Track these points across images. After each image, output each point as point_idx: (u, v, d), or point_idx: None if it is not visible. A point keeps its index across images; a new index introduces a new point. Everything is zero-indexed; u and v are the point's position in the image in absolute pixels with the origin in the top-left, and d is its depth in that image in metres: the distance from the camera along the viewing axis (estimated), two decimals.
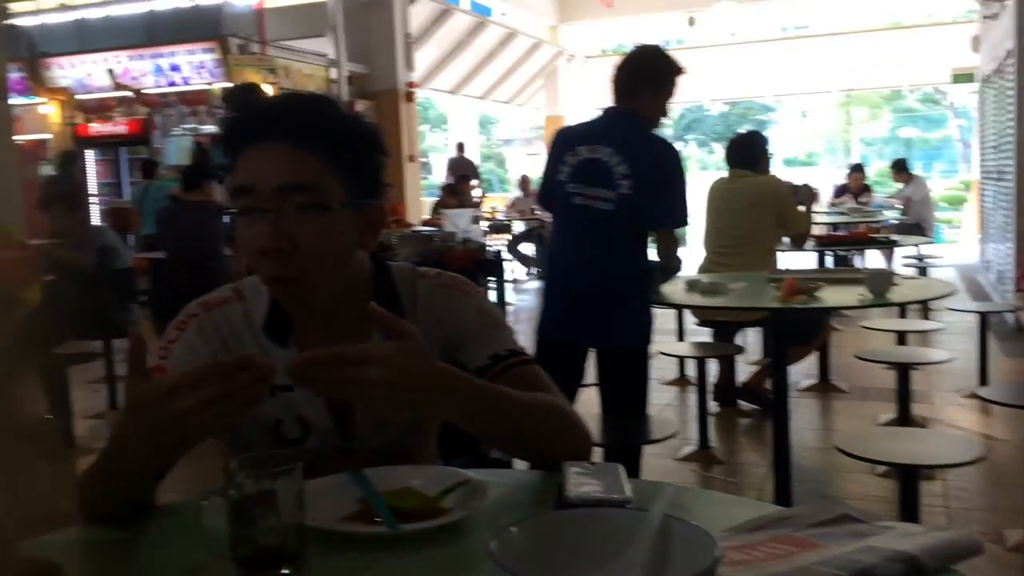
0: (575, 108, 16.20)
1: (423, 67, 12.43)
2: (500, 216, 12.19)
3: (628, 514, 0.78)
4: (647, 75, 2.91)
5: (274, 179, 1.10)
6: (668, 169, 2.84)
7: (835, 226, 7.52)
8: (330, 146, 1.12)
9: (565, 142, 2.97)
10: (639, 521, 0.73)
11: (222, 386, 0.91)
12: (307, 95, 1.20)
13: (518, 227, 11.41)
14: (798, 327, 4.14)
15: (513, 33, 14.29)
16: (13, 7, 8.42)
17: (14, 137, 7.82)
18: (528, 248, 11.34)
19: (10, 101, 7.61)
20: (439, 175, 12.54)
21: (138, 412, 0.94)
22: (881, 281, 2.83)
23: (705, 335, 4.99)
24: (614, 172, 2.80)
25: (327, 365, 0.95)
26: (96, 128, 11.70)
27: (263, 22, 10.22)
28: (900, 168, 9.91)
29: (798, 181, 5.12)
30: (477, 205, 11.06)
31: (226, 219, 1.31)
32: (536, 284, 10.56)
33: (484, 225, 8.24)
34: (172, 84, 10.98)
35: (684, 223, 2.91)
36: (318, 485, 1.00)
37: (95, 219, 10.41)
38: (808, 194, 4.99)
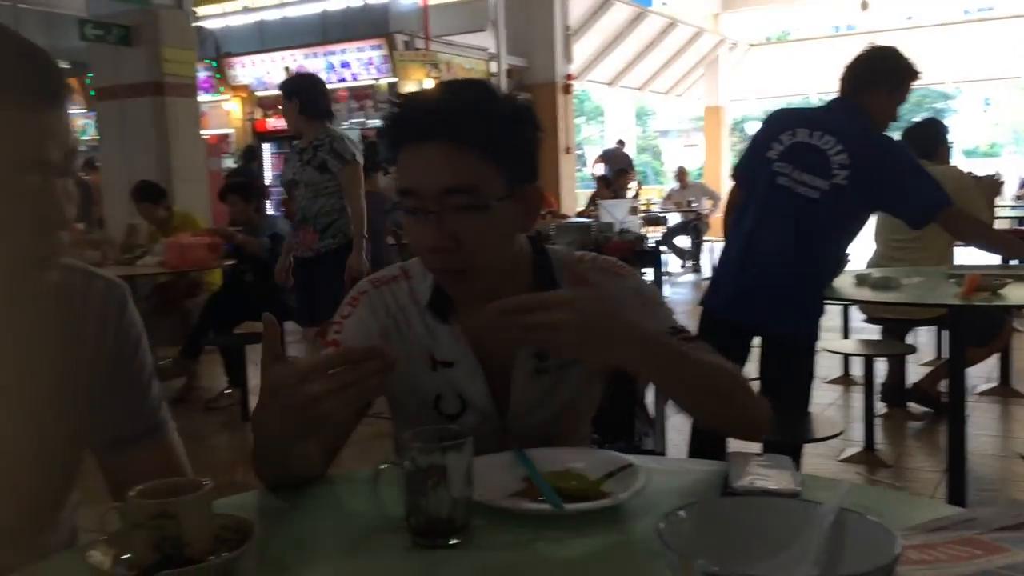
0: (737, 98, 15.76)
1: (581, 59, 12.43)
2: (655, 208, 12.03)
3: (800, 505, 0.76)
4: (884, 74, 2.82)
5: (435, 183, 1.14)
6: (906, 159, 2.76)
7: (1021, 220, 6.97)
8: (489, 139, 1.14)
9: (783, 121, 2.88)
10: (812, 513, 0.72)
11: (352, 373, 0.94)
12: (462, 85, 1.22)
13: (673, 219, 11.23)
14: (978, 326, 3.88)
15: (673, 22, 14.04)
16: (201, 11, 9.05)
17: (201, 132, 8.45)
18: (683, 241, 11.15)
19: (198, 98, 8.23)
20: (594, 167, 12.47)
21: (275, 394, 0.98)
22: None
23: (872, 332, 4.76)
24: (832, 162, 2.70)
25: (519, 312, 1.00)
26: (272, 123, 12.41)
27: (427, 18, 10.51)
28: None
29: (981, 172, 4.79)
30: (634, 197, 10.96)
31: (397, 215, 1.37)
32: (691, 277, 10.38)
33: (639, 217, 8.15)
34: (342, 80, 11.48)
35: (948, 200, 2.75)
36: (484, 462, 1.04)
37: (269, 209, 11.05)
38: (992, 185, 4.66)
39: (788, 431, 2.72)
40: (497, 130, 1.16)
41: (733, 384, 1.17)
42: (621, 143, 13.32)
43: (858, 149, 2.69)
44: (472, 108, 1.16)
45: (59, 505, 1.16)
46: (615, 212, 6.51)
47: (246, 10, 12.27)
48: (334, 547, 0.95)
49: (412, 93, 1.24)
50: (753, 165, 2.91)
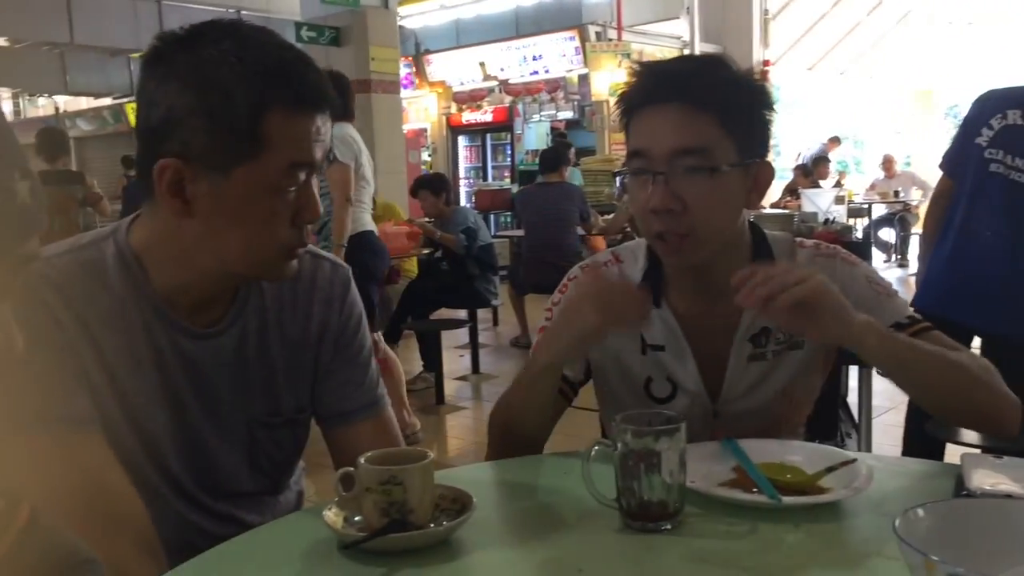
0: (951, 81, 14.59)
1: (780, 44, 11.94)
2: (858, 199, 11.38)
3: None
4: None
5: (667, 143, 1.14)
6: None
7: None
8: (724, 105, 1.14)
9: (993, 103, 2.63)
10: None
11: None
12: (701, 56, 1.25)
13: (878, 211, 10.58)
14: None
15: (881, 1, 13.20)
16: (402, 10, 9.47)
17: (402, 127, 8.86)
18: (888, 234, 10.49)
19: (400, 95, 8.63)
20: (788, 157, 11.92)
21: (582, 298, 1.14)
22: None
23: None
24: None
25: (759, 281, 1.03)
26: (467, 117, 12.81)
27: (619, 8, 10.46)
28: None
29: None
30: (836, 185, 10.41)
31: (618, 180, 1.41)
32: (898, 272, 9.76)
33: (844, 207, 7.75)
34: (534, 73, 11.67)
35: None
36: (692, 450, 1.03)
37: (463, 201, 11.42)
38: None
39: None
40: (733, 99, 1.16)
41: (973, 377, 1.11)
42: (837, 139, 12.41)
43: None
44: (710, 74, 1.17)
45: (290, 471, 1.26)
46: (818, 201, 6.22)
47: (443, 8, 12.71)
48: (546, 524, 0.98)
49: (650, 61, 1.27)
50: (962, 153, 2.68)
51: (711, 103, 1.14)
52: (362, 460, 0.94)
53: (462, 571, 0.89)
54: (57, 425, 0.97)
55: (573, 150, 7.45)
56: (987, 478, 0.84)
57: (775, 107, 1.20)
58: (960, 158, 2.69)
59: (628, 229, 6.15)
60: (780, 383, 1.25)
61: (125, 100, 13.97)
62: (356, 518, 0.95)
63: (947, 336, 1.15)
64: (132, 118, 14.44)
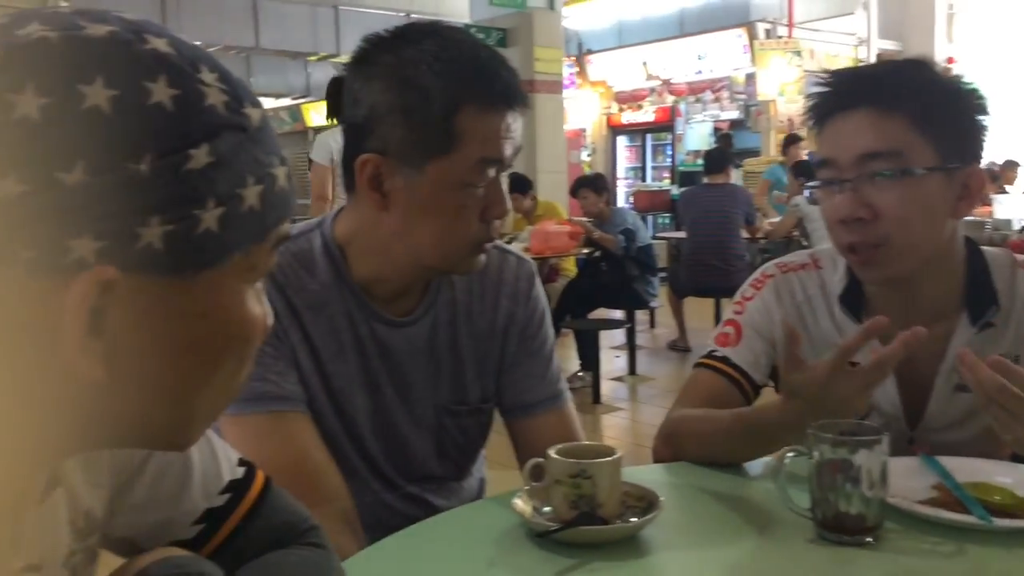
0: None
1: (965, 40, 11.19)
2: None
3: None
4: None
5: (854, 148, 1.09)
6: None
7: None
8: (918, 107, 1.08)
9: None
10: None
11: (875, 368, 0.97)
12: (897, 60, 1.17)
13: None
14: None
15: None
16: (565, 10, 9.54)
17: (563, 127, 8.92)
18: None
19: (562, 95, 8.70)
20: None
21: (798, 398, 1.01)
22: None
23: None
24: None
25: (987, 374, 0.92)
26: (627, 117, 12.73)
27: (791, 5, 10.12)
28: None
29: None
30: None
31: (806, 193, 1.33)
32: None
33: None
34: (698, 72, 11.46)
35: None
36: (891, 465, 0.99)
37: (621, 201, 11.37)
38: None
39: None
40: (929, 99, 1.09)
41: None
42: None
43: None
44: (902, 75, 1.12)
45: (474, 458, 1.30)
46: (1012, 207, 5.78)
47: (607, 8, 12.69)
48: (733, 528, 0.97)
49: (840, 68, 1.21)
50: None
51: (903, 104, 1.08)
52: (552, 452, 0.96)
53: (651, 568, 0.89)
54: (270, 404, 1.05)
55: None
56: None
57: (987, 111, 1.12)
58: None
59: (796, 234, 5.95)
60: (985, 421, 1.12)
61: (302, 101, 14.77)
62: (545, 508, 0.97)
63: None
64: (308, 118, 15.31)
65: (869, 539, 0.89)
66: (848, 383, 0.97)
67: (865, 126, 1.09)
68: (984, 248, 1.20)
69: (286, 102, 15.30)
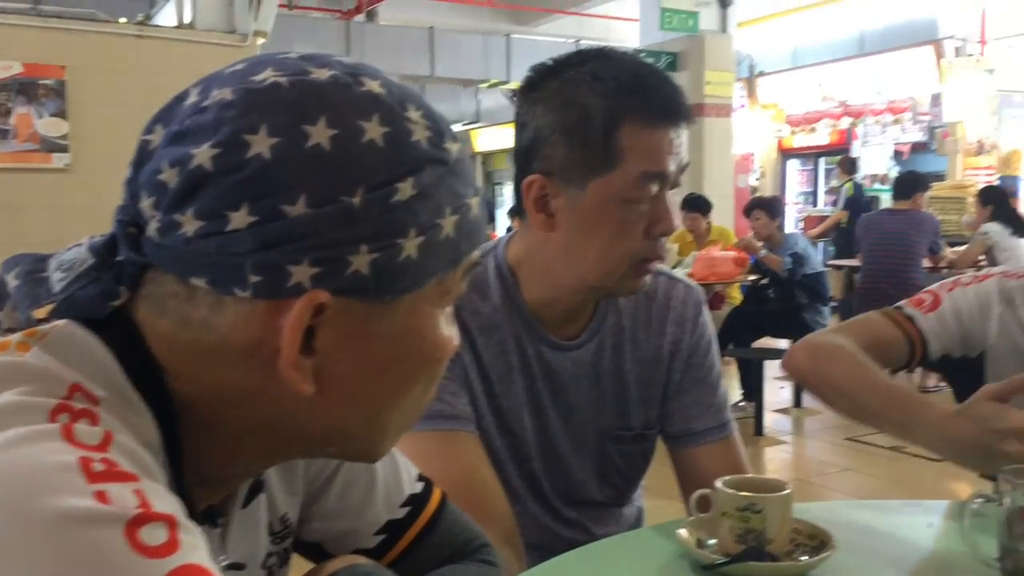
0: None
1: None
2: None
3: None
4: None
5: None
6: None
7: None
8: None
9: None
10: None
11: None
12: None
13: None
14: None
15: None
16: (738, 33, 9.35)
17: (732, 150, 8.74)
18: None
19: (731, 118, 8.53)
20: None
21: (970, 422, 1.00)
22: None
23: None
24: None
25: None
26: (799, 140, 12.31)
27: (984, 20, 9.49)
28: None
29: None
30: None
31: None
32: None
33: None
34: (878, 93, 10.93)
35: None
36: None
37: (791, 226, 10.97)
38: None
39: None
40: None
41: None
42: None
43: None
44: None
45: (635, 485, 1.30)
46: None
47: (782, 29, 12.34)
48: (915, 574, 0.92)
49: None
50: None
51: None
52: (719, 484, 0.95)
53: None
54: (442, 423, 1.09)
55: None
56: None
57: None
58: None
59: (983, 262, 5.56)
60: None
61: (472, 126, 15.22)
62: (710, 541, 0.96)
63: None
64: (475, 143, 15.72)
65: None
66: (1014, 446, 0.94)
67: None
68: None
69: (456, 127, 15.81)
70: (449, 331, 0.57)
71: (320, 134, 0.49)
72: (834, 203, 10.70)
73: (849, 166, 9.58)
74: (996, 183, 7.66)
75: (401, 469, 0.77)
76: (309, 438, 0.55)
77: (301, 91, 0.50)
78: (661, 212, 1.07)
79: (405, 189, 0.51)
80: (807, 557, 0.91)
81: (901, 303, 1.26)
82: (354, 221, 0.49)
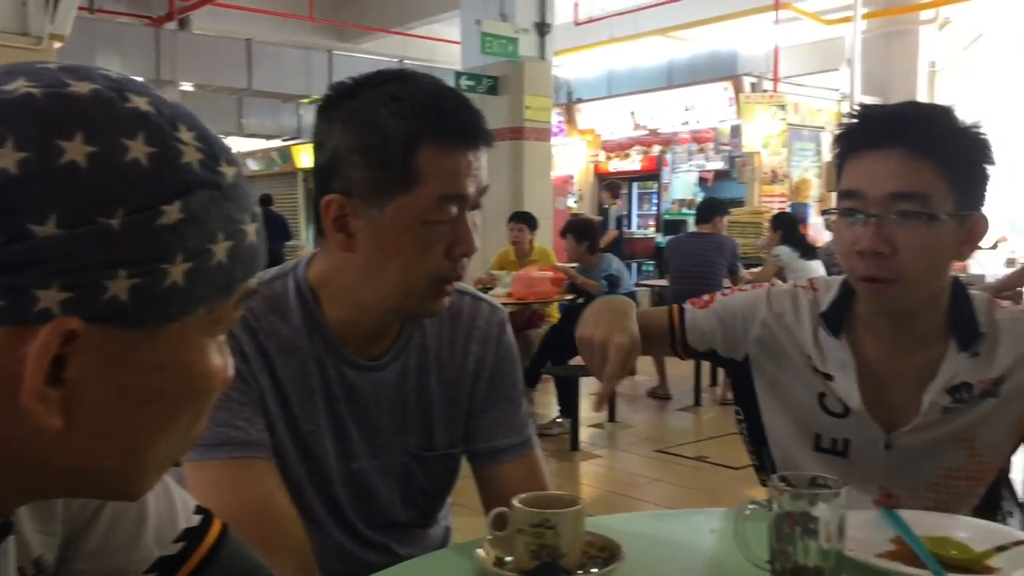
0: None
1: (947, 99, 11.43)
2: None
3: None
4: None
5: (885, 187, 1.14)
6: None
7: None
8: (946, 154, 1.14)
9: None
10: None
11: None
12: (927, 104, 1.24)
13: None
14: None
15: None
16: (557, 60, 9.68)
17: (551, 173, 9.01)
18: None
19: (550, 142, 8.80)
20: None
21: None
22: None
23: None
24: None
25: None
26: (614, 165, 12.87)
27: (777, 60, 10.32)
28: None
29: None
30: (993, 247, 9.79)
31: (823, 218, 1.43)
32: None
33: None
34: (685, 123, 11.63)
35: None
36: (851, 516, 1.00)
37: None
38: None
39: None
40: (956, 149, 1.16)
41: None
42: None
43: None
44: (935, 121, 1.18)
45: (440, 505, 1.30)
46: (985, 262, 5.90)
47: (598, 58, 12.90)
48: None
49: (872, 104, 1.28)
50: None
51: (934, 151, 1.14)
52: (515, 501, 0.97)
53: None
54: (234, 450, 1.05)
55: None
56: None
57: (995, 161, 1.19)
58: None
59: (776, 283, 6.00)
60: (962, 426, 1.22)
61: (293, 143, 14.87)
62: (507, 559, 0.97)
63: None
64: (297, 159, 15.41)
65: None
66: None
67: (897, 166, 1.15)
68: (967, 287, 1.28)
69: (277, 143, 15.40)
70: (220, 361, 0.55)
71: (76, 150, 0.46)
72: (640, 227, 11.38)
73: (614, 189, 10.42)
74: (788, 210, 8.31)
75: (176, 502, 0.73)
76: (59, 477, 0.51)
77: (56, 104, 0.47)
78: (461, 233, 1.08)
79: (172, 212, 0.48)
80: (597, 569, 0.94)
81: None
82: (112, 244, 0.46)
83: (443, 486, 1.28)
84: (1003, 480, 1.46)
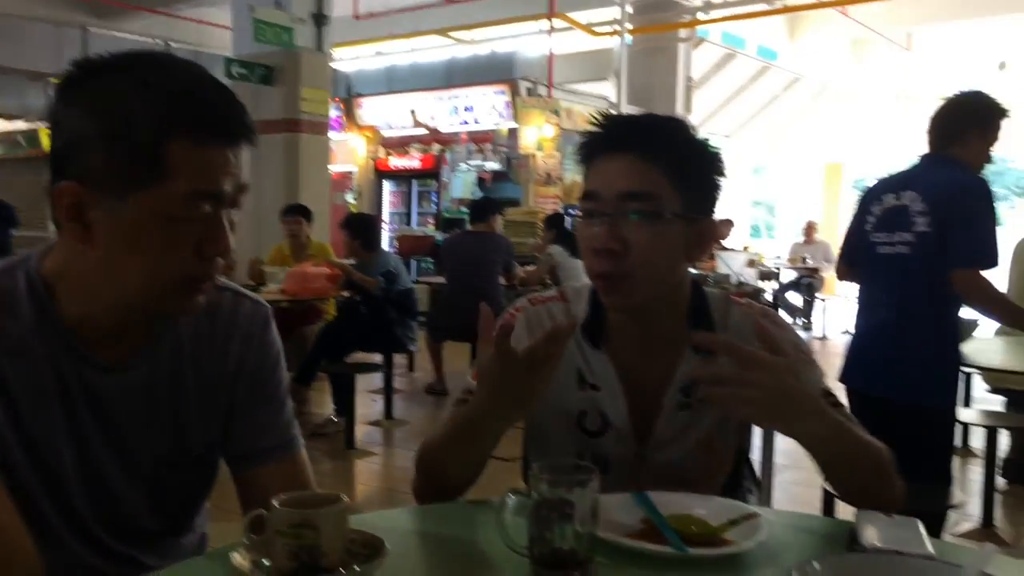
0: (859, 155, 15.35)
1: (702, 111, 12.39)
2: (767, 262, 11.76)
3: (938, 567, 0.75)
4: (971, 117, 2.76)
5: (616, 187, 1.21)
6: (973, 204, 2.62)
7: None
8: (672, 160, 1.21)
9: (872, 193, 2.88)
10: (951, 575, 0.70)
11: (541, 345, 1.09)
12: (662, 116, 1.30)
13: (788, 275, 10.97)
14: None
15: (797, 77, 13.86)
16: (336, 53, 9.49)
17: (328, 167, 8.81)
18: (795, 298, 10.87)
19: (328, 136, 8.61)
20: None
21: (485, 380, 1.12)
22: None
23: (997, 403, 4.53)
24: (912, 211, 2.68)
25: (726, 351, 1.07)
26: (394, 162, 12.83)
27: (551, 67, 10.72)
28: None
29: None
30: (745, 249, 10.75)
31: (567, 221, 1.48)
32: (803, 335, 10.07)
33: (755, 270, 8.03)
34: (464, 123, 11.80)
35: (986, 263, 2.62)
36: (605, 501, 1.05)
37: (386, 245, 11.37)
38: None
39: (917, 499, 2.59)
40: (684, 155, 1.24)
41: (880, 462, 1.17)
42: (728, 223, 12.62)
43: (936, 193, 2.64)
44: (665, 131, 1.25)
45: (195, 511, 1.23)
46: (731, 263, 6.45)
47: (378, 54, 12.79)
48: (458, 570, 0.98)
49: (612, 113, 1.34)
50: (856, 243, 2.92)
51: (662, 156, 1.21)
52: (275, 502, 0.93)
53: None
54: None
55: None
56: (878, 535, 0.89)
57: (725, 173, 1.28)
58: (853, 249, 2.92)
59: (548, 282, 6.24)
60: (701, 431, 1.30)
61: (41, 124, 13.54)
62: (266, 562, 0.93)
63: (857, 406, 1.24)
64: (46, 142, 14.01)
65: (578, 574, 0.94)
66: (518, 367, 1.08)
67: (628, 168, 1.22)
68: (704, 288, 1.36)
69: (22, 125, 13.97)
70: None
71: None
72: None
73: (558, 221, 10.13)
74: (560, 210, 8.66)
75: None
76: None
77: None
78: (215, 232, 1.01)
79: None
80: (359, 567, 0.92)
81: (471, 383, 1.31)
82: None
83: (198, 492, 1.21)
84: (743, 461, 1.60)
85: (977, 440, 4.56)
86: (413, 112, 12.25)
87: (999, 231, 2.62)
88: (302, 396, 5.44)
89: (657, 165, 1.21)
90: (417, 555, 1.04)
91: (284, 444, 1.22)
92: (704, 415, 1.30)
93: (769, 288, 10.21)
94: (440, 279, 6.54)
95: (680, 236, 1.23)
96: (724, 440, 1.35)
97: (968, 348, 2.94)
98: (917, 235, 2.66)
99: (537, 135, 10.54)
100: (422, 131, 12.37)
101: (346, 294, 5.62)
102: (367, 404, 5.82)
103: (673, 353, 1.29)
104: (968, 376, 5.01)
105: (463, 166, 12.17)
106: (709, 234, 1.29)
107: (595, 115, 1.31)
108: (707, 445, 1.32)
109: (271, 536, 0.92)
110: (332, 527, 0.92)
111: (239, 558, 0.92)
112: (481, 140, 11.90)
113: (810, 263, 10.75)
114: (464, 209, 11.56)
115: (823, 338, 9.98)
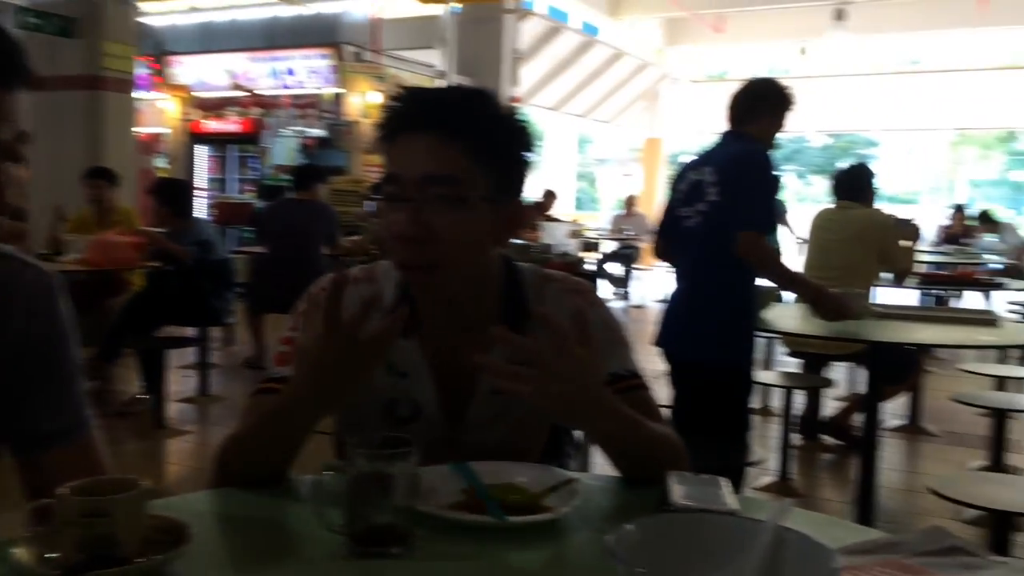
0: (676, 131, 16.09)
1: (528, 83, 12.54)
2: (589, 234, 12.14)
3: (742, 522, 0.78)
4: (764, 99, 3.01)
5: (417, 170, 1.12)
6: (752, 174, 2.84)
7: (937, 265, 7.27)
8: (475, 139, 1.13)
9: (681, 172, 3.10)
10: (753, 530, 0.73)
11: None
12: (465, 88, 1.22)
13: (608, 246, 11.37)
14: (892, 364, 4.03)
15: (619, 54, 14.28)
16: (144, 7, 8.87)
17: (134, 129, 8.26)
18: (615, 268, 11.29)
19: (134, 95, 8.06)
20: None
21: (303, 366, 1.06)
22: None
23: (794, 366, 4.90)
24: (705, 183, 2.89)
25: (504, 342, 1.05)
26: (210, 125, 12.18)
27: (378, 32, 10.49)
28: (985, 219, 10.11)
29: (903, 216, 5.00)
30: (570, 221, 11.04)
31: (369, 204, 1.38)
32: (620, 304, 10.50)
33: (578, 241, 8.27)
34: (286, 87, 11.35)
35: (763, 229, 2.82)
36: (425, 472, 1.03)
37: (201, 212, 10.81)
38: (911, 230, 4.88)
39: (720, 455, 2.75)
40: (488, 133, 1.15)
41: (668, 452, 1.15)
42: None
43: (726, 166, 2.87)
44: (467, 106, 1.16)
45: None
46: (555, 234, 6.60)
47: (192, 10, 12.05)
48: (269, 553, 0.94)
49: (413, 87, 1.21)
50: (670, 220, 3.10)
51: (463, 135, 1.13)
52: (63, 490, 0.85)
53: None
54: None
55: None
56: (686, 493, 0.92)
57: (534, 148, 1.21)
58: (668, 226, 3.12)
59: (374, 251, 6.14)
60: (517, 413, 1.26)
61: None
62: (55, 555, 0.85)
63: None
64: None
65: (397, 549, 0.92)
66: (348, 351, 1.04)
67: (428, 149, 1.13)
68: (518, 264, 1.31)
69: None
70: None
71: None
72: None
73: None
74: None
75: None
76: None
77: None
78: None
79: None
80: (161, 555, 0.86)
81: (273, 370, 1.26)
82: None
83: None
84: (562, 431, 1.62)
85: (777, 401, 4.91)
86: (230, 73, 11.67)
87: (780, 199, 2.89)
88: (106, 373, 5.09)
89: (460, 145, 1.12)
90: (228, 539, 0.98)
91: (74, 426, 1.12)
92: (519, 400, 1.27)
93: (592, 258, 10.53)
94: (260, 249, 6.28)
95: (487, 220, 1.16)
96: (540, 419, 1.32)
97: (769, 314, 3.15)
98: (708, 203, 2.86)
99: (363, 102, 10.32)
100: (240, 94, 11.81)
101: (155, 264, 5.28)
102: (180, 381, 5.53)
103: (486, 337, 1.19)
104: (769, 341, 5.39)
105: (286, 132, 11.73)
106: (519, 217, 1.22)
107: (397, 89, 1.21)
108: (522, 425, 1.29)
109: (60, 527, 0.84)
110: (127, 514, 0.85)
111: (22, 552, 0.84)
112: (305, 105, 11.50)
113: (631, 234, 11.17)
114: (286, 176, 11.18)
115: (640, 307, 10.41)
